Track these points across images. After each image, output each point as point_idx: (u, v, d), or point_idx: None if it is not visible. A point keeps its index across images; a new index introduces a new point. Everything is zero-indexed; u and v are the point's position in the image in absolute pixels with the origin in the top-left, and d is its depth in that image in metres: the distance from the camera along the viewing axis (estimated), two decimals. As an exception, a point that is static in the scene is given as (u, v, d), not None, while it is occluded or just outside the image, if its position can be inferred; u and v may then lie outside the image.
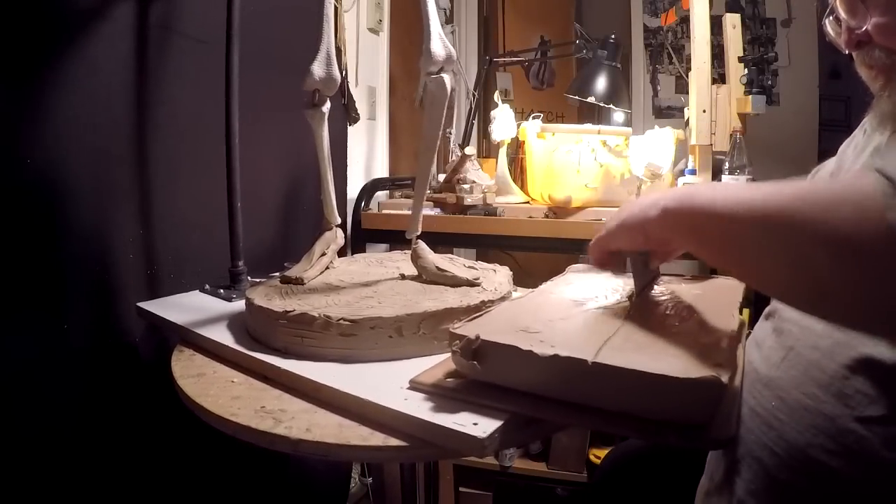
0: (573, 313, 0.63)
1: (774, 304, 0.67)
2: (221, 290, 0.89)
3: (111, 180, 0.86)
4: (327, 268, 0.85)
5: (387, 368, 0.61)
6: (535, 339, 0.52)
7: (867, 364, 0.51)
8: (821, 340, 0.56)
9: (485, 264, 0.86)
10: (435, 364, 0.58)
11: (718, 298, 0.70)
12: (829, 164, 0.77)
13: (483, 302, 0.68)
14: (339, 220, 0.88)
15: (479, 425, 0.48)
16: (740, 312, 0.68)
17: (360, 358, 0.63)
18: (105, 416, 0.84)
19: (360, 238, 1.49)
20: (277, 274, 0.82)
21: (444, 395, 0.53)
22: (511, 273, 0.83)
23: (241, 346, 0.68)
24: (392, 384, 0.56)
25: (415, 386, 0.55)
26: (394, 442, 0.50)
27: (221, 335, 0.72)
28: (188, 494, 0.98)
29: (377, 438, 0.51)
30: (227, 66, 0.89)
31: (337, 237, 0.87)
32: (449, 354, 0.55)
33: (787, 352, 0.59)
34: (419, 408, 0.51)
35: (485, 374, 0.52)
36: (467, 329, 0.54)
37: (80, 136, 0.81)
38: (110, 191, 0.86)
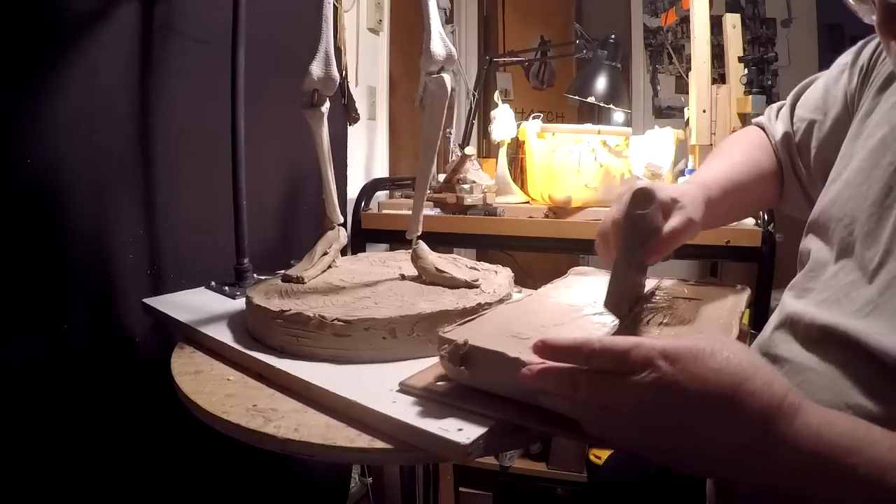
0: (568, 319, 0.62)
1: (768, 340, 0.63)
2: (226, 288, 0.90)
3: (111, 180, 0.86)
4: (329, 267, 0.85)
5: (380, 370, 0.61)
6: (525, 346, 0.51)
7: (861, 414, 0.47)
8: (822, 394, 0.52)
9: (487, 265, 0.86)
10: (427, 367, 0.58)
11: (719, 307, 0.68)
12: (813, 96, 0.73)
13: (479, 304, 0.68)
14: (341, 219, 0.88)
15: (464, 431, 0.47)
16: (742, 319, 0.67)
17: (354, 359, 0.63)
18: (107, 416, 0.84)
19: (361, 238, 1.49)
20: (283, 272, 0.82)
21: (433, 398, 0.52)
22: (512, 274, 0.83)
23: (240, 344, 0.68)
24: (382, 386, 0.56)
25: (404, 388, 0.55)
26: (379, 444, 0.50)
27: (221, 333, 0.72)
28: (188, 493, 0.98)
29: (363, 440, 0.50)
30: (233, 66, 0.89)
31: (340, 236, 0.87)
32: None
33: None
34: (406, 411, 0.51)
35: (472, 380, 0.51)
36: (457, 333, 0.54)
37: (81, 136, 0.81)
38: (110, 191, 0.86)
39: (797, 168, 0.77)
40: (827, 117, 0.71)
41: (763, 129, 0.82)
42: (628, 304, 0.64)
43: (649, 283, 0.77)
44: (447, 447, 0.47)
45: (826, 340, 0.54)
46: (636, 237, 0.61)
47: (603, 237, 0.68)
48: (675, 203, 0.64)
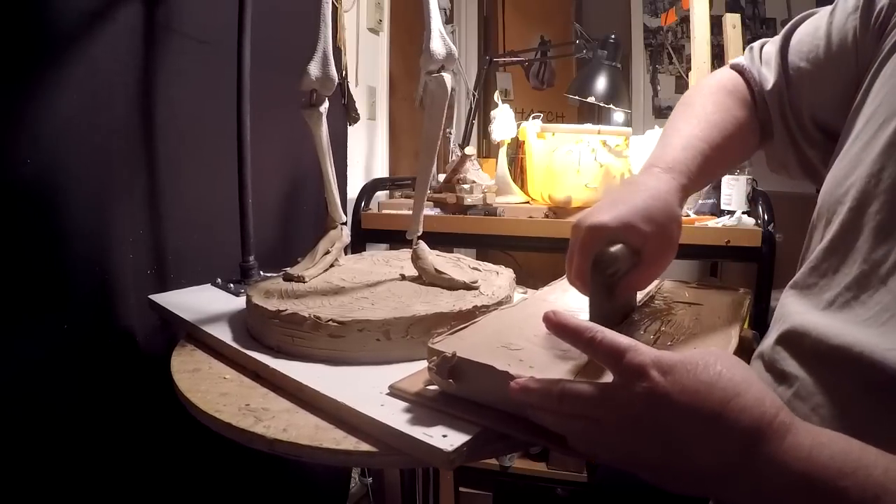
0: None
1: (772, 352, 0.57)
2: (232, 285, 0.90)
3: (111, 180, 0.86)
4: (332, 266, 0.85)
5: (373, 372, 0.60)
6: (514, 358, 0.51)
7: None
8: (835, 423, 0.47)
9: (490, 266, 0.85)
10: (419, 370, 0.57)
11: (719, 314, 0.67)
12: (811, 41, 0.64)
13: (476, 307, 0.67)
14: (343, 218, 0.88)
15: (448, 438, 0.47)
16: (743, 326, 0.65)
17: (348, 360, 0.63)
18: (108, 416, 0.84)
19: (361, 238, 1.49)
20: (285, 270, 0.82)
21: (422, 403, 0.52)
22: (514, 276, 0.82)
23: (238, 343, 0.68)
24: (373, 389, 0.56)
25: (394, 392, 0.55)
26: (364, 447, 0.50)
27: (221, 331, 0.72)
28: (190, 493, 0.98)
29: (349, 442, 0.50)
30: (238, 66, 0.89)
31: (342, 235, 0.87)
32: None
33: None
34: (393, 415, 0.51)
35: (461, 391, 0.51)
36: (446, 344, 0.53)
37: (81, 136, 0.80)
38: (110, 191, 0.86)
39: (789, 124, 0.68)
40: (827, 70, 0.62)
41: (742, 72, 0.71)
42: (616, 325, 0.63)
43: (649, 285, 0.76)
44: (431, 453, 0.47)
45: (835, 359, 0.49)
46: (608, 290, 0.59)
47: (573, 283, 0.63)
48: (639, 234, 0.57)
